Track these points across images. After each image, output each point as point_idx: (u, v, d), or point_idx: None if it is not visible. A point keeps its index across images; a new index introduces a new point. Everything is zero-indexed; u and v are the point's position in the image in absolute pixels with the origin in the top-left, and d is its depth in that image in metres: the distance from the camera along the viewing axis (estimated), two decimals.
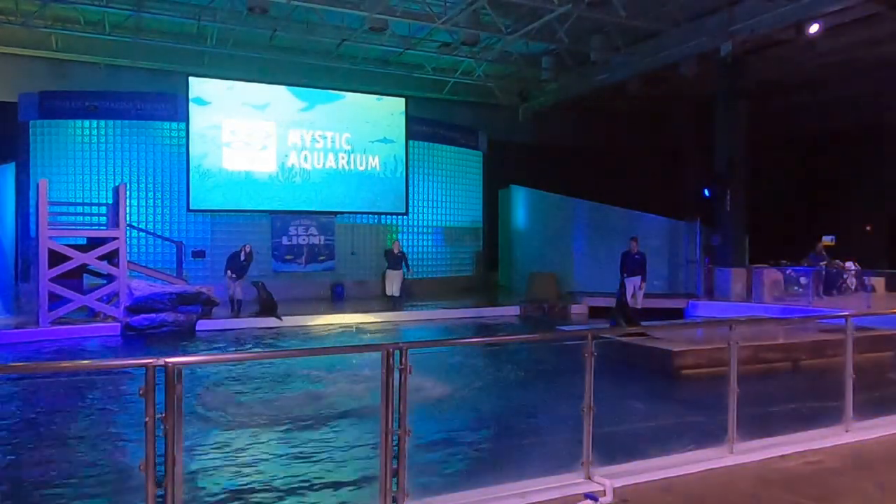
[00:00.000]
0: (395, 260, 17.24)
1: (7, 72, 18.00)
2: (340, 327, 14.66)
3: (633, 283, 12.88)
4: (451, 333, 14.46)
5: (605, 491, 4.24)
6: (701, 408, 7.88)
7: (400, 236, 20.26)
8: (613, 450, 4.73)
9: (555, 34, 17.91)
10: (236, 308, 15.29)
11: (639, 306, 12.99)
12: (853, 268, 17.42)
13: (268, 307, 14.94)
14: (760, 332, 11.30)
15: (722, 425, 5.25)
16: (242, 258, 15.47)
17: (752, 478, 4.72)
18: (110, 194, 15.32)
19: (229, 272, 15.44)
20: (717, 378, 8.86)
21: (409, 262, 17.84)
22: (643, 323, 12.15)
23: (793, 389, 9.01)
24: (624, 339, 10.29)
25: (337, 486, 5.34)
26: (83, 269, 14.09)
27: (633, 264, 12.98)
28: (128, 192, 14.93)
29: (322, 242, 19.26)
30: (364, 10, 16.22)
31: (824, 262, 16.84)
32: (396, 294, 17.06)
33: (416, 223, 21.08)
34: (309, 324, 14.85)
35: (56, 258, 13.13)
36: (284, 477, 5.52)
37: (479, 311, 17.03)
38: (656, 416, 7.26)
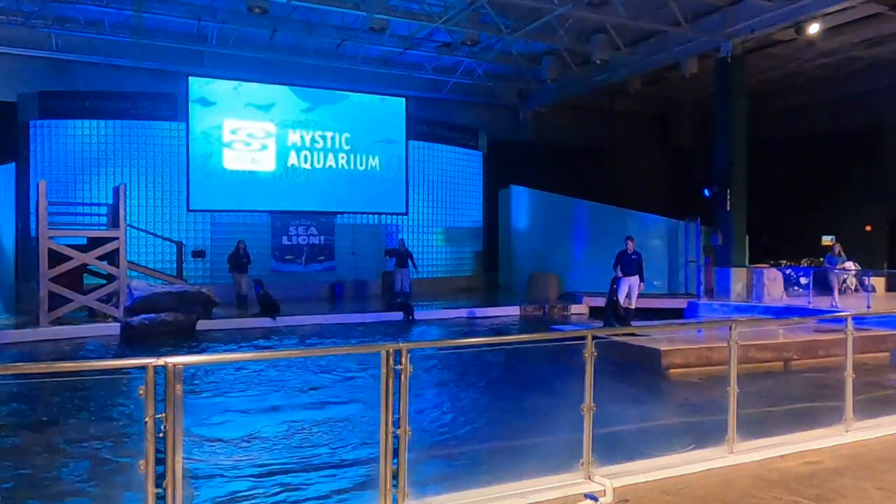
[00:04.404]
0: (402, 258, 17.42)
1: (7, 72, 17.98)
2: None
3: (628, 282, 12.85)
4: (450, 333, 14.47)
5: (605, 491, 4.24)
6: (692, 406, 7.91)
7: (400, 236, 20.26)
8: (607, 448, 4.73)
9: (555, 34, 17.91)
10: (244, 304, 15.62)
11: (633, 307, 12.95)
12: (853, 268, 17.38)
13: (268, 307, 14.98)
14: (753, 332, 11.28)
15: (715, 424, 5.25)
16: (241, 253, 15.97)
17: (751, 478, 4.72)
18: (110, 194, 15.33)
19: (235, 272, 15.95)
20: (706, 377, 8.92)
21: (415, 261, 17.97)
22: (637, 322, 12.16)
23: (784, 389, 9.02)
24: (614, 337, 10.30)
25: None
26: (83, 269, 14.10)
27: (629, 264, 12.95)
28: (128, 192, 14.94)
29: (322, 242, 19.27)
30: (364, 10, 16.22)
31: (842, 264, 16.60)
32: (407, 290, 17.17)
33: (416, 223, 21.07)
34: (308, 323, 14.86)
35: (56, 258, 13.13)
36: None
37: (478, 311, 17.03)
38: (649, 416, 7.26)
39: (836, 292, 15.52)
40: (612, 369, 8.68)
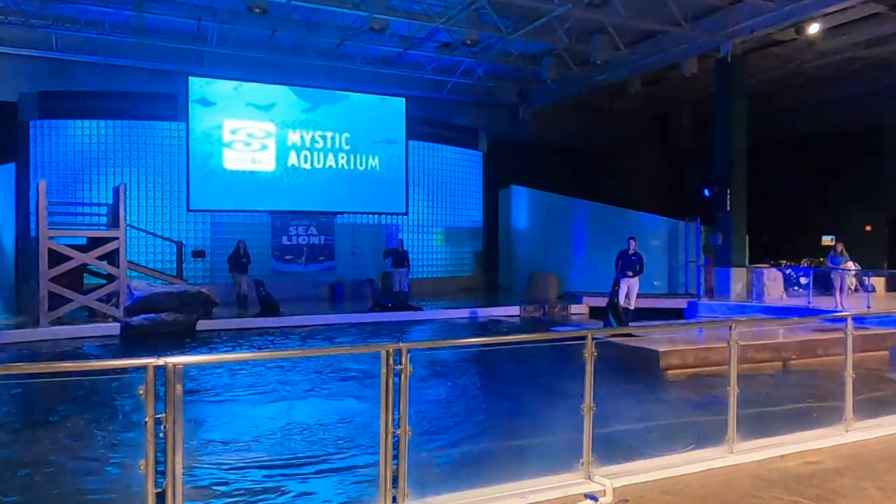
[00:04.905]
0: (401, 258, 17.46)
1: (7, 72, 17.98)
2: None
3: (627, 283, 12.84)
4: (451, 333, 14.47)
5: (605, 491, 4.24)
6: (691, 407, 7.91)
7: (399, 236, 20.28)
8: (607, 448, 4.73)
9: (555, 34, 17.91)
10: (244, 304, 15.73)
11: (632, 307, 12.93)
12: (853, 268, 17.37)
13: (268, 306, 15.01)
14: (751, 332, 11.25)
15: (715, 424, 5.25)
16: (241, 253, 16.06)
17: (751, 478, 4.72)
18: (110, 194, 15.33)
19: (235, 272, 16.08)
20: (705, 377, 8.92)
21: (410, 262, 18.07)
22: (637, 322, 12.15)
23: (784, 389, 9.02)
24: (612, 338, 10.30)
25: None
26: (83, 269, 14.10)
27: (628, 264, 12.96)
28: (128, 192, 14.94)
29: (322, 242, 19.27)
30: (364, 10, 16.22)
31: (845, 264, 16.52)
32: (405, 290, 17.23)
33: (416, 223, 21.08)
34: (308, 323, 14.87)
35: (56, 258, 13.13)
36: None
37: (479, 312, 17.03)
38: (648, 416, 7.26)
39: (838, 292, 15.43)
40: (611, 370, 8.68)
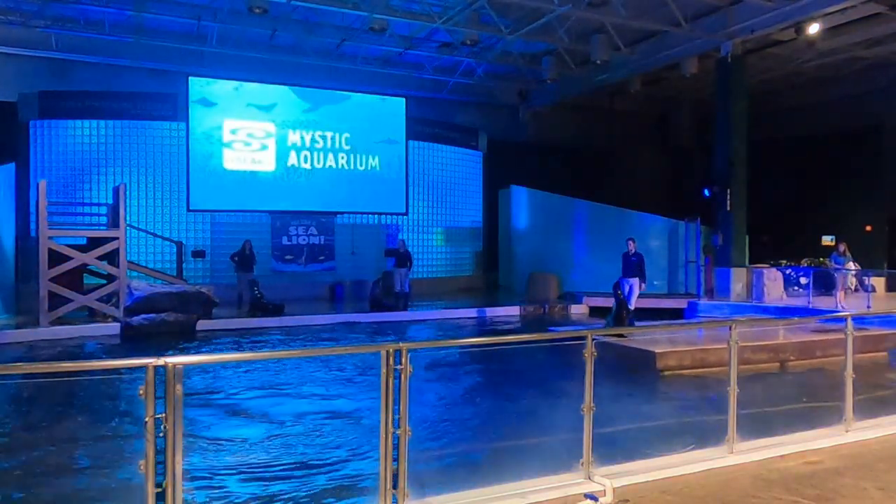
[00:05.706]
0: (402, 258, 17.47)
1: (7, 72, 17.98)
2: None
3: (627, 283, 12.85)
4: (450, 333, 14.47)
5: (605, 491, 4.24)
6: (691, 407, 7.90)
7: (400, 237, 20.27)
8: (607, 448, 4.73)
9: (555, 34, 17.91)
10: (247, 303, 15.79)
11: (631, 307, 12.92)
12: (854, 268, 17.37)
13: (261, 308, 15.08)
14: (750, 332, 11.23)
15: (715, 425, 5.25)
16: (247, 253, 16.25)
17: (751, 478, 4.72)
18: (110, 194, 15.33)
19: (240, 271, 16.24)
20: (701, 378, 8.92)
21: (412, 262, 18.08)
22: (637, 322, 12.13)
23: (783, 390, 9.01)
24: (609, 339, 10.30)
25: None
26: (83, 269, 14.10)
27: (628, 265, 13.00)
28: (128, 192, 14.94)
29: (322, 242, 19.27)
30: (364, 10, 16.22)
31: (847, 264, 16.51)
32: (406, 290, 17.23)
33: (416, 223, 21.07)
34: (308, 323, 14.87)
35: (56, 258, 13.13)
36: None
37: (478, 312, 17.03)
38: (648, 416, 7.26)
39: (841, 292, 15.41)
40: (609, 371, 8.68)
